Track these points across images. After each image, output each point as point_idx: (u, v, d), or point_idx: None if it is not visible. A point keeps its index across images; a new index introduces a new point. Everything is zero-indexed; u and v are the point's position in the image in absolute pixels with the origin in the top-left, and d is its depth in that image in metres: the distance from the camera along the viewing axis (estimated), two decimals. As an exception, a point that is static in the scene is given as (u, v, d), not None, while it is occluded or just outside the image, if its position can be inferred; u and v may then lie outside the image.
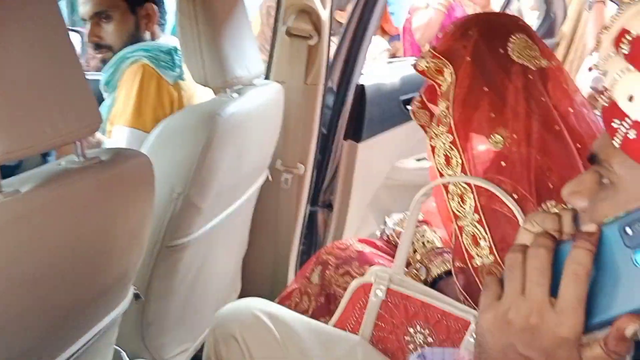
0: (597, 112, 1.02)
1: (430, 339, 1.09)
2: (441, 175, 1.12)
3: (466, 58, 1.11)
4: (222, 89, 1.33)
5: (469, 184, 1.07)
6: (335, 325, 1.17)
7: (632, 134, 0.48)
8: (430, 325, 1.09)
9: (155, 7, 1.72)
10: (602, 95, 0.53)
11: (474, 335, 0.58)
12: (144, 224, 0.94)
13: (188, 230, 1.27)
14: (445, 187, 1.11)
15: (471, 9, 3.24)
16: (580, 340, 0.50)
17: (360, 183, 2.01)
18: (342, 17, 2.83)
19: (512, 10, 3.08)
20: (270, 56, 1.73)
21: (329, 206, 1.99)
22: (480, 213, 1.06)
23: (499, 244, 1.04)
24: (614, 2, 2.42)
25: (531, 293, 0.51)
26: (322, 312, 1.28)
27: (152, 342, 1.34)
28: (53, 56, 0.69)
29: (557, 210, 0.59)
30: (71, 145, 0.76)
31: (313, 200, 1.91)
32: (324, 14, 1.65)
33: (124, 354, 1.15)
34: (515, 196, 1.03)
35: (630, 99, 0.48)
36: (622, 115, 0.49)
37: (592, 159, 0.55)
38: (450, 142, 1.11)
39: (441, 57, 1.15)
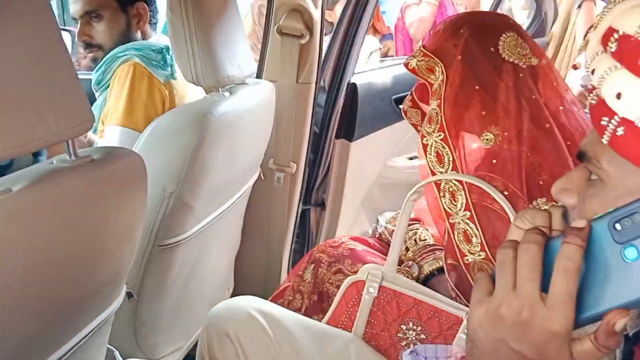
0: (587, 111, 1.03)
1: (422, 336, 1.09)
2: (433, 173, 1.12)
3: (457, 57, 1.12)
4: (214, 88, 1.33)
5: (460, 182, 1.08)
6: (328, 323, 1.17)
7: (620, 131, 0.49)
8: (422, 322, 1.10)
9: (146, 6, 1.72)
10: (590, 93, 0.54)
11: (466, 331, 0.58)
12: (137, 223, 0.93)
13: (180, 229, 1.27)
14: (437, 184, 1.12)
15: (462, 8, 3.25)
16: (571, 334, 0.51)
17: (352, 182, 2.02)
18: (330, 16, 2.84)
19: (502, 10, 3.09)
20: (262, 55, 1.73)
21: (322, 205, 1.99)
22: (472, 210, 1.06)
23: (490, 241, 1.05)
24: (603, 0, 2.44)
25: (522, 288, 0.52)
26: (315, 310, 1.28)
27: (145, 341, 1.34)
28: (45, 55, 0.69)
29: (547, 208, 0.59)
30: (62, 144, 0.76)
31: (305, 199, 1.91)
32: (316, 13, 1.65)
33: (117, 353, 1.14)
34: (506, 193, 1.03)
35: (618, 96, 0.49)
36: (610, 113, 0.50)
37: (581, 157, 0.55)
38: (442, 140, 1.11)
39: (432, 55, 1.15)
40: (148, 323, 1.33)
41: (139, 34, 1.72)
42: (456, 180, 1.08)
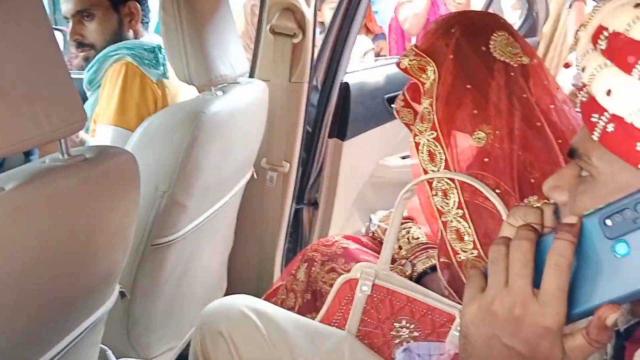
0: (578, 109, 1.04)
1: (415, 333, 1.10)
2: (425, 171, 1.13)
3: (449, 56, 1.12)
4: (207, 87, 1.33)
5: (452, 180, 1.09)
6: (321, 321, 1.17)
7: (610, 128, 0.50)
8: (415, 320, 1.10)
9: (138, 5, 1.72)
10: (581, 91, 0.54)
11: (459, 329, 0.59)
12: (129, 222, 0.93)
13: (173, 228, 1.27)
14: (429, 183, 1.12)
15: (453, 7, 3.27)
16: (563, 330, 0.51)
17: (345, 181, 2.02)
18: (319, 16, 2.84)
19: (493, 10, 3.11)
20: (255, 54, 1.73)
21: (315, 204, 1.99)
22: (464, 208, 1.07)
23: (483, 238, 1.05)
24: (594, 0, 2.45)
25: (514, 284, 0.52)
26: (309, 308, 1.28)
27: (138, 340, 1.33)
28: (37, 54, 0.69)
29: (539, 205, 0.60)
30: (54, 144, 0.76)
31: (298, 198, 1.91)
32: (308, 12, 1.65)
33: (110, 352, 1.14)
34: (498, 191, 1.04)
35: (608, 93, 0.49)
36: (600, 110, 0.51)
37: (572, 153, 0.56)
38: (434, 139, 1.12)
39: (424, 55, 1.16)
40: (141, 322, 1.32)
41: (131, 33, 1.72)
42: (448, 178, 1.09)
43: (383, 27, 3.82)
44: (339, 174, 1.99)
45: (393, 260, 1.24)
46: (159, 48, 1.67)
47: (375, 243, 1.42)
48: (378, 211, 1.52)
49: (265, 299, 1.34)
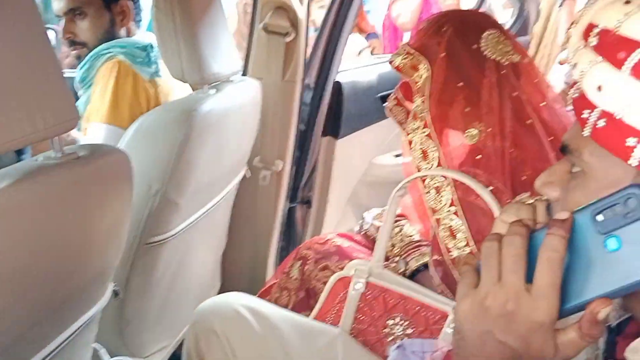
0: (570, 108, 1.05)
1: (409, 331, 1.10)
2: (418, 169, 1.13)
3: (441, 54, 1.13)
4: (200, 85, 1.33)
5: (445, 178, 1.09)
6: (315, 319, 1.18)
7: (601, 123, 0.50)
8: (409, 317, 1.11)
9: (130, 3, 1.71)
10: (572, 87, 0.55)
11: (452, 326, 0.59)
12: (123, 220, 0.93)
13: (166, 227, 1.27)
14: (422, 180, 1.13)
15: (444, 7, 3.28)
16: (555, 325, 0.52)
17: (338, 179, 2.02)
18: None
19: (484, 9, 3.12)
20: (248, 53, 1.73)
21: (308, 202, 1.99)
22: (457, 205, 1.07)
23: (475, 235, 1.06)
24: (584, -2, 2.47)
25: (507, 280, 0.52)
26: (302, 306, 1.28)
27: (131, 339, 1.33)
28: (30, 52, 0.69)
29: (532, 202, 0.60)
30: (47, 142, 0.75)
31: (292, 196, 1.91)
32: (301, 11, 1.65)
33: (103, 351, 1.14)
34: (491, 189, 1.04)
35: (599, 89, 0.50)
36: (591, 106, 0.51)
37: (564, 149, 0.56)
38: (427, 136, 1.12)
39: (416, 53, 1.16)
40: (134, 321, 1.32)
41: (123, 32, 1.71)
42: (441, 176, 1.09)
43: (375, 26, 3.82)
44: (332, 172, 1.99)
45: (386, 258, 1.24)
46: (152, 46, 1.67)
47: (369, 241, 1.42)
48: (371, 209, 1.52)
49: (258, 297, 1.34)
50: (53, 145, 0.76)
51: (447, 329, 1.04)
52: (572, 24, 0.56)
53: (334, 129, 1.94)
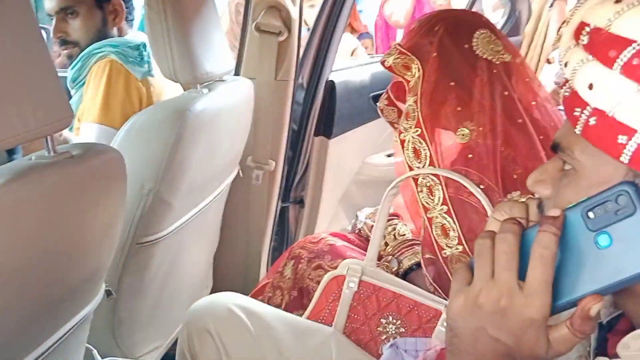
0: (561, 108, 1.06)
1: (402, 329, 1.10)
2: (410, 168, 1.14)
3: (432, 54, 1.13)
4: (192, 85, 1.33)
5: (437, 176, 1.09)
6: (308, 318, 1.18)
7: (592, 121, 0.50)
8: (402, 316, 1.11)
9: (122, 2, 1.71)
10: (563, 86, 0.55)
11: (445, 324, 0.59)
12: (116, 220, 0.93)
13: (159, 226, 1.27)
14: (415, 180, 1.13)
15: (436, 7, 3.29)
16: (548, 321, 0.52)
17: (331, 179, 2.02)
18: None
19: (476, 9, 3.13)
20: (240, 52, 1.73)
21: (301, 202, 2.00)
22: (449, 204, 1.08)
23: (467, 234, 1.06)
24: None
25: (500, 277, 0.53)
26: (295, 305, 1.28)
27: (123, 340, 1.33)
28: (24, 51, 0.69)
29: (523, 200, 0.61)
30: (39, 142, 0.75)
31: (284, 196, 1.91)
32: (294, 10, 1.65)
33: (95, 352, 1.14)
34: (482, 187, 1.05)
35: (590, 87, 0.50)
36: (583, 104, 0.51)
37: (555, 147, 0.57)
38: (419, 136, 1.13)
39: (408, 53, 1.16)
40: (126, 322, 1.32)
41: (115, 31, 1.71)
42: (433, 175, 1.10)
43: (368, 26, 3.83)
44: (325, 172, 1.99)
45: (379, 257, 1.24)
46: (144, 46, 1.66)
47: (362, 240, 1.43)
48: (364, 208, 1.52)
49: (251, 297, 1.34)
50: (46, 145, 0.76)
51: (441, 327, 1.05)
52: (563, 23, 0.56)
53: (326, 129, 1.94)
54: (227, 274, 1.86)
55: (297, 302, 1.29)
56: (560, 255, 0.52)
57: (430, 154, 1.11)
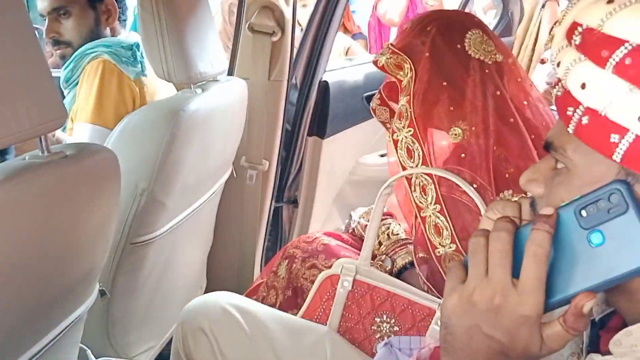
0: (553, 108, 1.07)
1: (396, 328, 1.11)
2: (404, 168, 1.14)
3: (425, 54, 1.13)
4: (186, 85, 1.33)
5: (430, 175, 1.10)
6: (303, 317, 1.18)
7: (585, 120, 0.51)
8: (396, 315, 1.11)
9: (115, 2, 1.70)
10: (556, 86, 0.56)
11: (439, 323, 0.60)
12: (110, 220, 0.93)
13: (153, 226, 1.27)
14: (408, 179, 1.14)
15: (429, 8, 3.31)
16: (541, 318, 0.53)
17: (324, 179, 2.02)
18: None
19: (468, 10, 3.14)
20: (234, 52, 1.72)
21: (294, 202, 2.00)
22: (442, 203, 1.08)
23: (460, 233, 1.07)
24: (566, -1, 2.50)
25: (494, 275, 0.53)
26: (290, 305, 1.29)
27: (117, 340, 1.33)
28: (17, 51, 0.68)
29: (515, 199, 0.61)
30: (31, 143, 0.75)
31: (278, 196, 1.92)
32: (287, 10, 1.66)
33: (89, 352, 1.14)
34: (475, 186, 1.06)
35: (583, 86, 0.51)
36: (575, 103, 0.52)
37: (548, 146, 0.57)
38: (412, 135, 1.13)
39: (400, 52, 1.17)
40: (120, 322, 1.32)
41: (108, 31, 1.70)
42: (426, 174, 1.10)
43: (361, 26, 3.84)
44: (318, 172, 1.99)
45: (373, 256, 1.25)
46: (137, 46, 1.66)
47: (356, 239, 1.43)
48: (358, 208, 1.53)
49: (246, 297, 1.34)
50: (40, 145, 0.76)
51: (434, 326, 1.05)
52: (555, 23, 0.57)
53: (320, 129, 1.94)
54: (221, 273, 1.86)
55: (291, 302, 1.29)
56: (553, 253, 0.52)
57: (423, 154, 1.12)
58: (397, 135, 1.15)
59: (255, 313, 1.13)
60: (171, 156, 1.20)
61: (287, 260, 1.33)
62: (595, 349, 0.60)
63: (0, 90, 0.66)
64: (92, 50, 1.62)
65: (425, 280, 1.14)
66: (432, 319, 1.07)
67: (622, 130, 0.49)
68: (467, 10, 3.04)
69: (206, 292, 1.72)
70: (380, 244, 1.31)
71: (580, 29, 0.52)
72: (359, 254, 1.19)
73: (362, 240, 1.21)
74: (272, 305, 1.29)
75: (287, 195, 1.96)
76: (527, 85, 1.17)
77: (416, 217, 1.13)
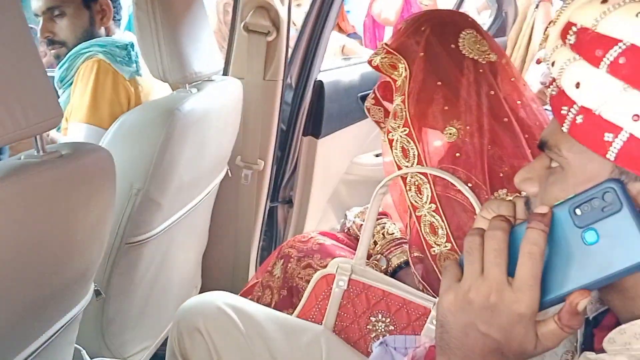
0: (547, 107, 1.07)
1: (391, 327, 1.11)
2: (399, 167, 1.14)
3: (419, 53, 1.14)
4: (181, 85, 1.33)
5: (425, 175, 1.10)
6: (298, 316, 1.18)
7: (579, 119, 0.51)
8: (391, 314, 1.12)
9: (109, 2, 1.70)
10: (550, 85, 0.56)
11: (434, 322, 0.60)
12: (105, 219, 0.93)
13: (148, 226, 1.26)
14: (404, 179, 1.14)
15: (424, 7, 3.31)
16: (536, 316, 0.53)
17: (319, 178, 2.03)
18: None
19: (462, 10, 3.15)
20: (229, 52, 1.72)
21: (289, 202, 2.00)
22: (437, 202, 1.09)
23: (455, 232, 1.07)
24: None
25: (490, 273, 0.53)
26: (285, 304, 1.29)
27: (112, 340, 1.32)
28: (13, 50, 0.68)
29: (510, 198, 0.62)
30: (26, 142, 0.75)
31: (273, 196, 1.92)
32: (282, 10, 1.66)
33: (84, 352, 1.13)
34: (470, 185, 1.06)
35: (577, 85, 0.51)
36: (569, 102, 0.52)
37: (542, 145, 0.58)
38: (407, 135, 1.13)
39: (395, 52, 1.17)
40: (115, 322, 1.31)
41: (102, 31, 1.70)
42: (421, 173, 1.11)
43: (355, 26, 3.84)
44: (313, 171, 1.99)
45: (368, 256, 1.25)
46: (132, 45, 1.66)
47: (351, 239, 1.43)
48: (352, 207, 1.53)
49: (241, 296, 1.34)
50: (35, 144, 0.76)
51: (430, 325, 1.05)
52: (550, 23, 0.57)
53: (315, 129, 1.95)
54: (216, 273, 1.86)
55: (286, 301, 1.29)
56: (548, 251, 0.53)
57: (419, 153, 1.12)
58: (392, 135, 1.15)
59: (251, 313, 1.13)
60: (166, 156, 1.20)
61: (282, 260, 1.33)
62: (589, 347, 0.60)
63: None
64: (86, 50, 1.62)
65: (420, 280, 1.15)
66: (427, 318, 1.08)
67: (616, 129, 0.49)
68: (461, 10, 3.05)
69: (201, 292, 1.72)
70: (375, 243, 1.31)
71: (574, 29, 0.52)
72: (354, 254, 1.20)
73: (357, 240, 1.21)
74: (268, 305, 1.29)
75: (282, 195, 1.96)
76: (520, 85, 1.18)
77: (411, 216, 1.14)
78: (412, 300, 1.10)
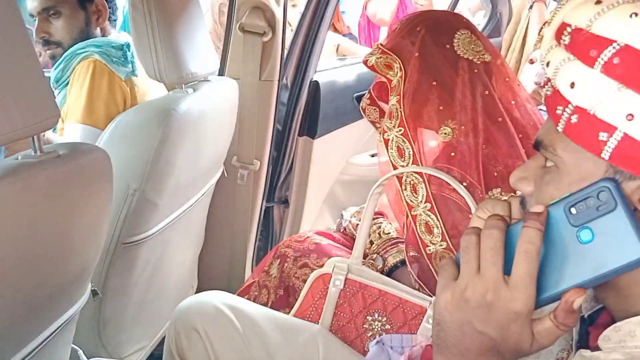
0: (542, 108, 1.08)
1: (387, 326, 1.12)
2: (394, 167, 1.15)
3: (414, 54, 1.14)
4: (177, 85, 1.33)
5: (420, 174, 1.11)
6: (295, 316, 1.18)
7: (574, 119, 0.52)
8: (387, 313, 1.12)
9: (105, 2, 1.70)
10: (545, 85, 0.57)
11: (430, 321, 0.60)
12: (102, 219, 0.93)
13: (144, 226, 1.26)
14: (399, 178, 1.14)
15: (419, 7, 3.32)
16: (532, 314, 0.54)
17: (315, 179, 2.03)
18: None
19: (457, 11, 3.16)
20: (225, 52, 1.73)
21: (285, 202, 2.00)
22: (432, 201, 1.09)
23: (451, 230, 1.08)
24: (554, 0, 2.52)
25: (486, 272, 0.54)
26: (281, 304, 1.29)
27: (109, 340, 1.32)
28: (10, 50, 0.68)
29: (505, 197, 0.62)
30: (23, 142, 0.75)
31: (269, 196, 1.92)
32: (278, 11, 1.66)
33: (81, 352, 1.13)
34: (465, 184, 1.07)
35: (572, 85, 0.52)
36: (564, 102, 0.53)
37: (537, 145, 0.58)
38: (402, 135, 1.14)
39: (390, 52, 1.18)
40: (112, 322, 1.31)
41: (98, 31, 1.70)
42: (416, 173, 1.11)
43: (350, 27, 3.85)
44: (309, 171, 1.99)
45: (364, 255, 1.26)
46: (127, 46, 1.66)
47: (347, 239, 1.44)
48: (349, 207, 1.53)
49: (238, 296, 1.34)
50: (32, 144, 0.76)
51: (426, 324, 1.06)
52: (544, 24, 0.58)
53: (310, 129, 1.95)
54: (212, 273, 1.86)
55: (283, 301, 1.30)
56: (543, 250, 0.53)
57: (414, 153, 1.13)
58: (388, 135, 1.15)
59: (248, 312, 1.13)
60: (162, 156, 1.20)
61: (279, 260, 1.33)
62: (584, 345, 0.61)
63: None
64: (82, 50, 1.62)
65: (416, 279, 1.15)
66: (423, 317, 1.08)
67: (611, 129, 0.50)
68: (455, 11, 3.05)
69: (197, 291, 1.73)
70: (371, 243, 1.32)
71: (569, 29, 0.53)
72: (350, 253, 1.20)
73: (354, 240, 1.22)
74: (264, 305, 1.30)
75: (278, 195, 1.96)
76: (515, 86, 1.18)
77: (407, 215, 1.14)
78: (409, 300, 1.11)
